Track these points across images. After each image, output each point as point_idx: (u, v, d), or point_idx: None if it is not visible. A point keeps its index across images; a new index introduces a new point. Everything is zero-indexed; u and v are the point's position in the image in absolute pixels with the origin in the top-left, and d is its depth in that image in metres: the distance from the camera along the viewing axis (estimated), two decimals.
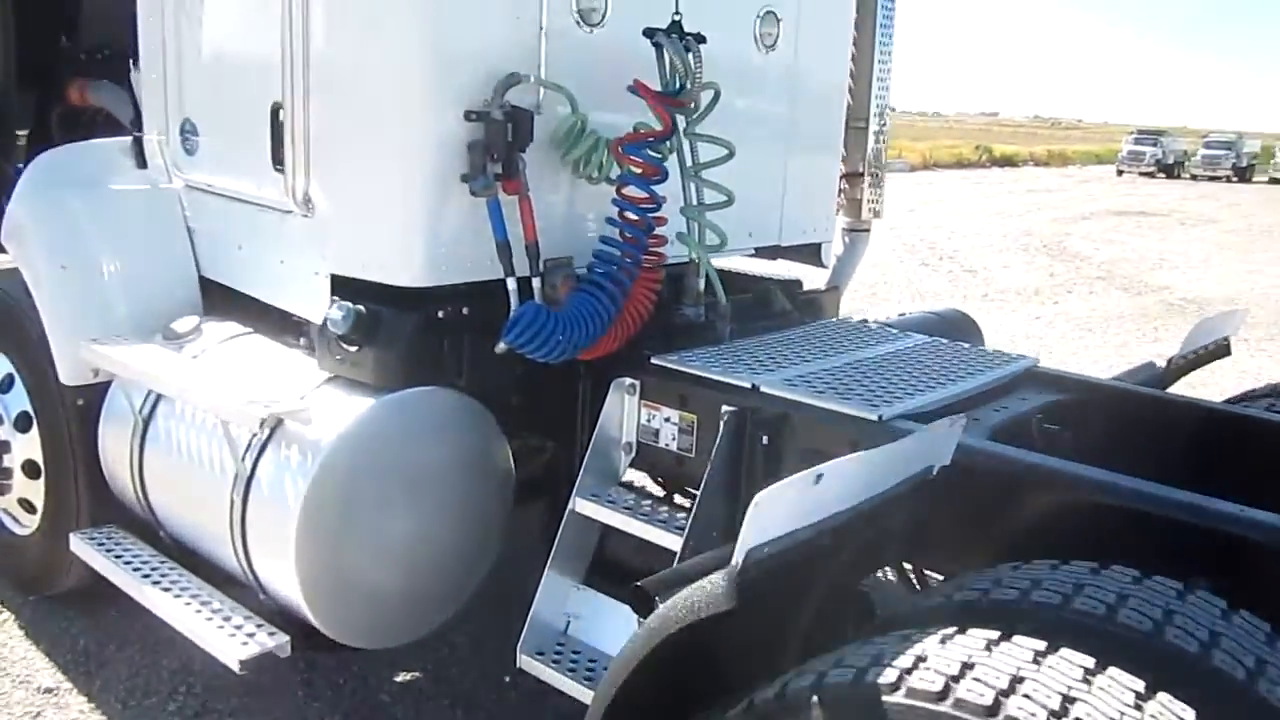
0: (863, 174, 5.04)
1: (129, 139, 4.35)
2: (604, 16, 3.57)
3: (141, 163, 4.29)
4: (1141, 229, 24.95)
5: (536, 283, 3.39)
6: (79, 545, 3.97)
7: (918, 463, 2.50)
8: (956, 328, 4.79)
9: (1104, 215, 27.86)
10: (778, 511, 2.02)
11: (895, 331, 4.13)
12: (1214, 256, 19.85)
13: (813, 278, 5.00)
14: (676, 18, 3.51)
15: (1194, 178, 55.04)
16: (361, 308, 3.29)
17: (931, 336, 4.08)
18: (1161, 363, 4.33)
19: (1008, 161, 58.30)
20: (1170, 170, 56.39)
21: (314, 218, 3.49)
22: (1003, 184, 38.89)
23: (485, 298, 3.40)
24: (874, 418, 2.97)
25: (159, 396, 3.75)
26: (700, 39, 3.53)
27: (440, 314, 3.36)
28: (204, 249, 4.15)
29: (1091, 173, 56.61)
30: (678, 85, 3.51)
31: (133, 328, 3.97)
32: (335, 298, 3.40)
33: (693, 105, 3.55)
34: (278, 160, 3.57)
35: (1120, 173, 55.41)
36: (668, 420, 3.42)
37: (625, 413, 3.48)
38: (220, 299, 4.13)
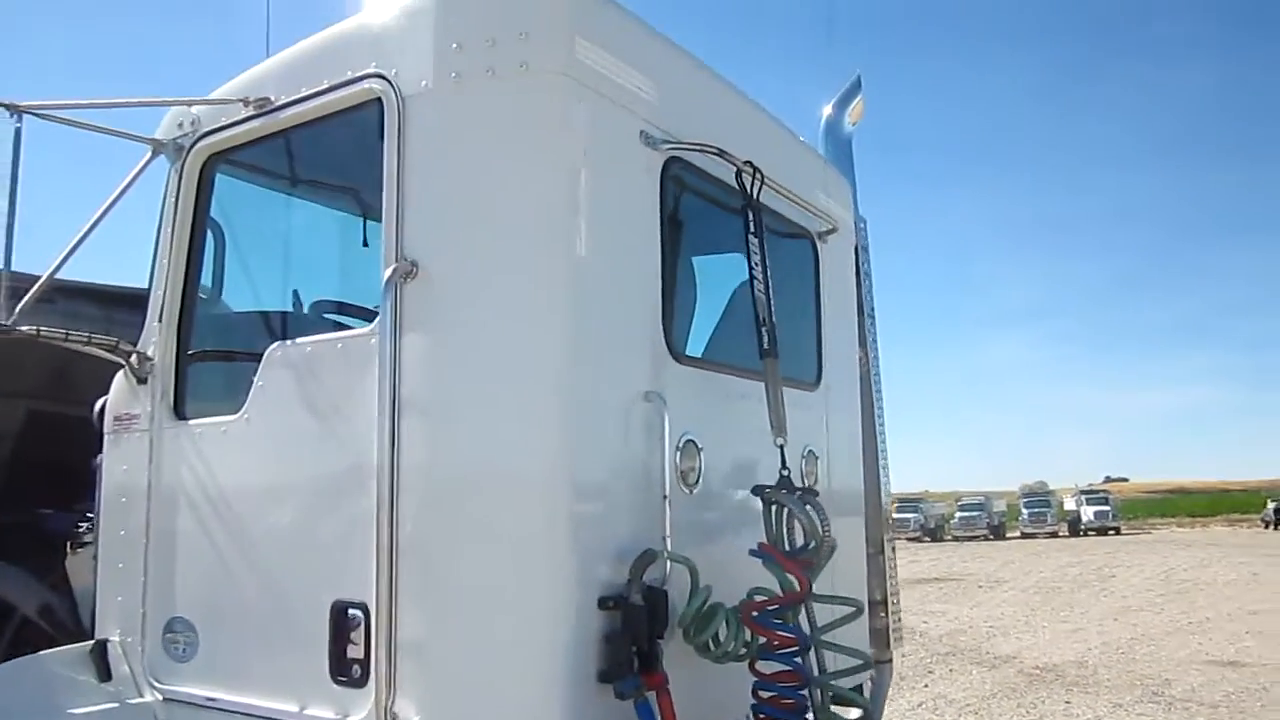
0: (884, 601, 4.82)
1: (86, 646, 3.56)
2: (699, 477, 3.31)
3: (105, 674, 3.48)
4: (949, 595, 25.92)
5: None
6: None
7: None
8: None
9: (907, 584, 28.87)
10: None
11: None
12: (1031, 619, 20.64)
13: None
14: (785, 473, 3.29)
15: (956, 539, 58.97)
16: None
17: None
18: None
19: None
20: (934, 534, 60.33)
21: None
22: None
23: None
24: None
25: None
26: (813, 492, 3.31)
27: None
28: None
29: None
30: (800, 543, 3.22)
31: None
32: None
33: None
34: (340, 671, 2.94)
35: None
36: None
37: None
38: None
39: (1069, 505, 63.48)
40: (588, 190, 2.94)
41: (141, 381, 3.63)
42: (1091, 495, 63.87)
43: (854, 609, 3.29)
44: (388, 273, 2.91)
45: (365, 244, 4.11)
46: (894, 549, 4.94)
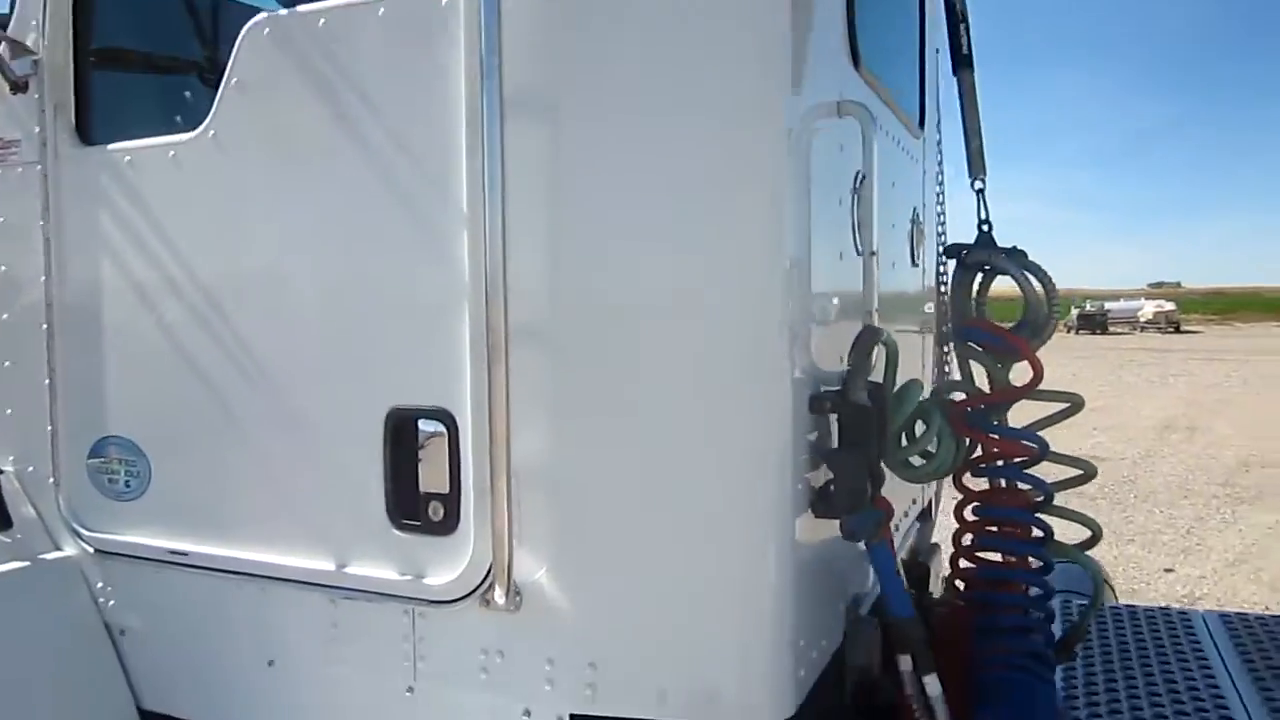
0: None
1: None
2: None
3: (4, 520, 2.39)
4: None
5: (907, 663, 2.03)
6: None
7: None
8: None
9: None
10: None
11: None
12: None
13: None
14: (987, 229, 2.40)
15: None
16: None
17: None
18: None
19: None
20: None
21: (526, 612, 1.89)
22: None
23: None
24: None
25: None
26: (1021, 252, 2.44)
27: None
28: (156, 664, 2.31)
29: None
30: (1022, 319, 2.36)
31: None
32: None
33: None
34: (406, 511, 1.96)
35: None
36: None
37: None
38: None
39: None
40: None
41: (19, 89, 2.38)
42: None
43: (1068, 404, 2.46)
44: None
45: None
46: None
